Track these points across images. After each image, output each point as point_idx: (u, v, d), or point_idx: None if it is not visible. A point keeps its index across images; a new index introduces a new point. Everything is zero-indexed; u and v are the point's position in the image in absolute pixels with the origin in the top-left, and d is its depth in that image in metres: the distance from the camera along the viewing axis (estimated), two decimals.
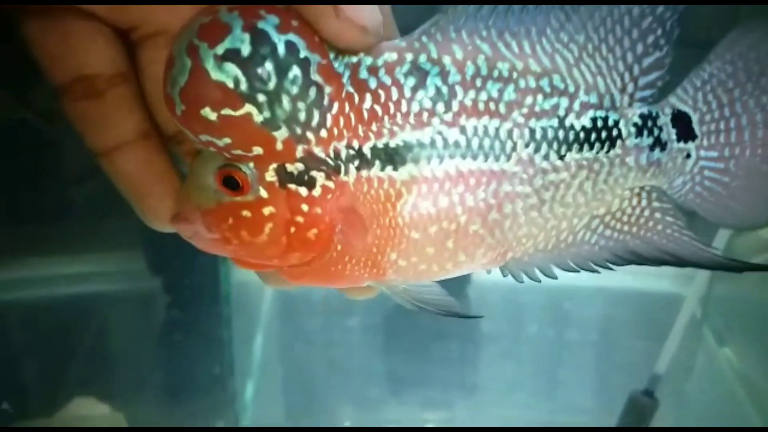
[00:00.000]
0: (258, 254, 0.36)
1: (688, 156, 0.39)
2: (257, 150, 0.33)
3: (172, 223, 0.36)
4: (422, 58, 0.34)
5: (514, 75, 0.35)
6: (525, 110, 0.35)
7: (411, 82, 0.34)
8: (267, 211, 0.34)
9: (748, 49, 0.38)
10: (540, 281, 0.38)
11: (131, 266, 1.05)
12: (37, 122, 0.90)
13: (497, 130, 0.35)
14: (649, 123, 0.37)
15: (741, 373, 1.06)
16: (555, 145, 0.36)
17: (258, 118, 0.32)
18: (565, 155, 0.36)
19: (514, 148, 0.35)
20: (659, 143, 0.38)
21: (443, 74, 0.34)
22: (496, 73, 0.35)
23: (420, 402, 1.21)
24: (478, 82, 0.35)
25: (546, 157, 0.36)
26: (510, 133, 0.35)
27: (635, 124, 0.37)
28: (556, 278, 0.38)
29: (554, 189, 0.36)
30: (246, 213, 0.34)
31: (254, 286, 1.28)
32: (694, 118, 0.38)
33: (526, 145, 0.35)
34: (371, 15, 0.33)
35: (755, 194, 0.40)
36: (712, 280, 1.02)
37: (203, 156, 0.35)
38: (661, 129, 0.38)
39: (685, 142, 0.38)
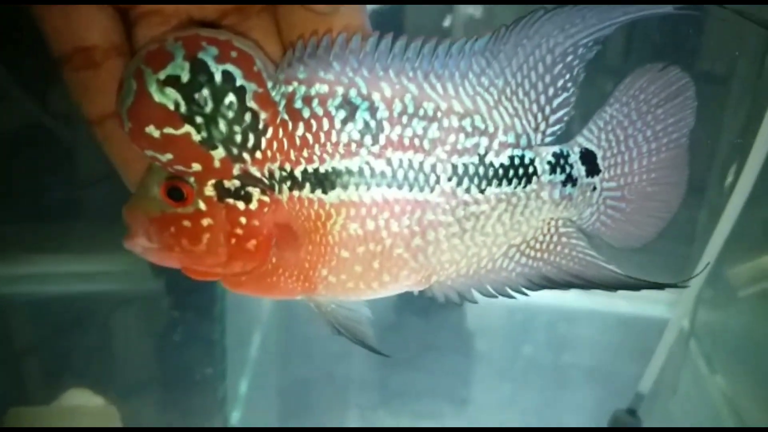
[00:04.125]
0: (199, 262, 0.39)
1: (594, 189, 0.42)
2: (196, 166, 0.36)
3: (125, 241, 0.39)
4: (352, 92, 0.37)
5: (439, 114, 0.38)
6: (448, 147, 0.38)
7: (342, 114, 0.37)
8: (205, 222, 0.38)
9: (639, 92, 0.42)
10: (461, 304, 0.41)
11: (136, 267, 1.07)
12: (53, 125, 0.93)
13: (421, 164, 0.38)
14: (561, 161, 0.41)
15: (725, 394, 1.06)
16: (476, 180, 0.39)
17: (196, 137, 0.35)
18: (485, 189, 0.39)
19: (437, 181, 0.38)
20: (570, 179, 0.41)
21: (372, 110, 0.37)
22: (421, 112, 0.38)
23: (410, 413, 1.23)
24: (405, 120, 0.37)
25: (468, 191, 0.39)
26: (434, 167, 0.38)
27: (549, 162, 0.40)
28: (476, 302, 0.41)
29: (475, 219, 0.39)
30: (186, 223, 0.38)
31: None
32: (599, 155, 0.42)
33: (449, 179, 0.38)
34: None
35: (643, 214, 0.44)
36: (697, 304, 1.03)
37: (152, 169, 0.38)
38: (572, 166, 0.41)
39: (592, 176, 0.42)
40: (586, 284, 0.41)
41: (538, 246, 0.41)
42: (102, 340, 1.06)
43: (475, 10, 1.13)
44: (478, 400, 1.24)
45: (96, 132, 0.40)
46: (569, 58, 0.39)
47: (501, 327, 1.33)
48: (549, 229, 0.42)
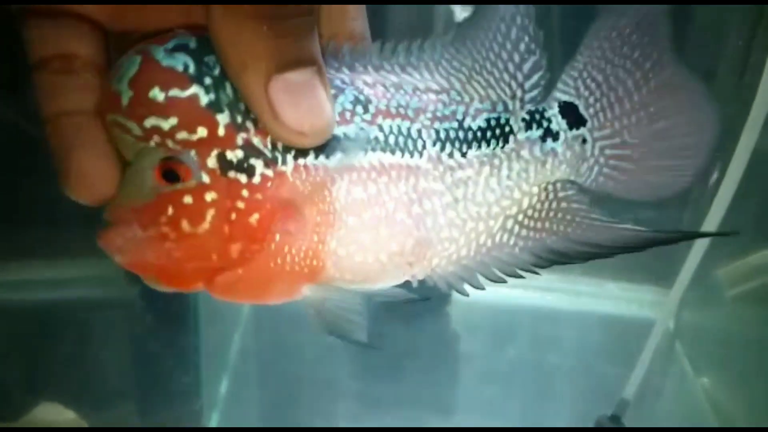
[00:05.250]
0: (197, 249, 0.36)
1: (585, 141, 0.41)
2: (201, 132, 0.35)
3: (100, 236, 0.36)
4: (337, 81, 0.38)
5: (418, 92, 0.39)
6: (429, 115, 0.39)
7: (332, 91, 0.37)
8: (209, 196, 0.36)
9: (610, 31, 0.41)
10: (467, 295, 0.40)
11: (110, 273, 1.04)
12: (26, 126, 0.90)
13: (408, 129, 0.39)
14: (537, 116, 0.41)
15: (713, 400, 1.06)
16: (457, 144, 0.40)
17: (204, 99, 0.35)
18: (466, 153, 0.40)
19: (424, 146, 0.39)
20: (550, 134, 0.41)
21: (358, 89, 0.38)
22: (402, 91, 0.39)
23: (394, 420, 1.21)
24: (389, 95, 0.39)
25: (451, 155, 0.40)
26: (419, 132, 0.39)
27: (523, 119, 0.41)
28: (483, 288, 0.40)
29: (464, 186, 0.40)
30: (188, 199, 0.35)
31: None
32: (580, 105, 0.41)
33: (434, 144, 0.39)
34: (312, 120, 0.35)
35: (656, 156, 0.41)
36: (682, 306, 1.02)
37: (141, 155, 0.36)
38: (549, 120, 0.41)
39: (578, 128, 0.41)
40: (602, 250, 0.39)
41: (536, 215, 0.41)
42: (75, 349, 1.03)
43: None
44: (461, 405, 1.23)
45: (49, 128, 0.37)
46: (519, 20, 0.39)
47: (485, 330, 1.31)
48: (547, 195, 0.41)
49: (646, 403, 1.06)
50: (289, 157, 0.36)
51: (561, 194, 0.41)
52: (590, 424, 1.01)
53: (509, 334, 1.29)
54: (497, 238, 0.40)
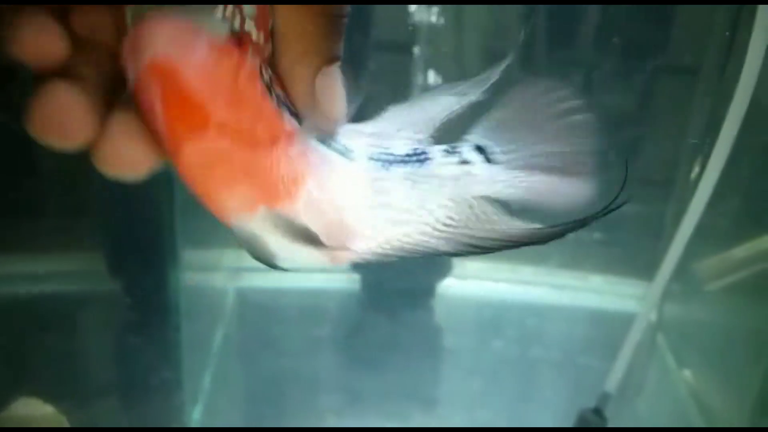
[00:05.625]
0: (226, 74, 0.37)
1: (495, 166, 0.46)
2: (259, 38, 0.39)
3: (147, 19, 0.33)
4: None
5: (357, 131, 0.46)
6: (365, 140, 0.45)
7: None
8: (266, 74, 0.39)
9: (512, 101, 0.46)
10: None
11: (91, 267, 1.04)
12: (9, 121, 0.89)
13: (347, 146, 0.45)
14: (452, 149, 0.46)
15: (695, 393, 1.06)
16: (384, 161, 0.46)
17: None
18: (390, 168, 0.45)
19: (356, 157, 0.45)
20: (465, 161, 0.46)
21: None
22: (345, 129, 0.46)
23: (378, 414, 1.21)
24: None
25: (377, 169, 0.45)
26: (355, 150, 0.45)
27: (440, 151, 0.46)
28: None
29: (386, 194, 0.45)
30: (250, 57, 0.38)
31: (215, 291, 1.28)
32: (492, 146, 0.46)
33: (367, 160, 0.45)
34: (338, 109, 0.40)
35: (559, 169, 0.45)
36: (664, 299, 1.03)
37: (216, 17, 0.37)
38: (464, 152, 0.46)
39: (490, 161, 0.46)
40: (509, 244, 0.44)
41: (453, 223, 0.45)
42: (55, 344, 1.02)
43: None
44: (445, 398, 1.23)
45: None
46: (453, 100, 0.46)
47: (469, 324, 1.31)
48: (463, 207, 0.45)
49: (628, 396, 1.06)
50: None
51: (476, 205, 0.45)
52: (574, 418, 1.02)
53: (494, 328, 1.29)
54: (413, 238, 0.45)
